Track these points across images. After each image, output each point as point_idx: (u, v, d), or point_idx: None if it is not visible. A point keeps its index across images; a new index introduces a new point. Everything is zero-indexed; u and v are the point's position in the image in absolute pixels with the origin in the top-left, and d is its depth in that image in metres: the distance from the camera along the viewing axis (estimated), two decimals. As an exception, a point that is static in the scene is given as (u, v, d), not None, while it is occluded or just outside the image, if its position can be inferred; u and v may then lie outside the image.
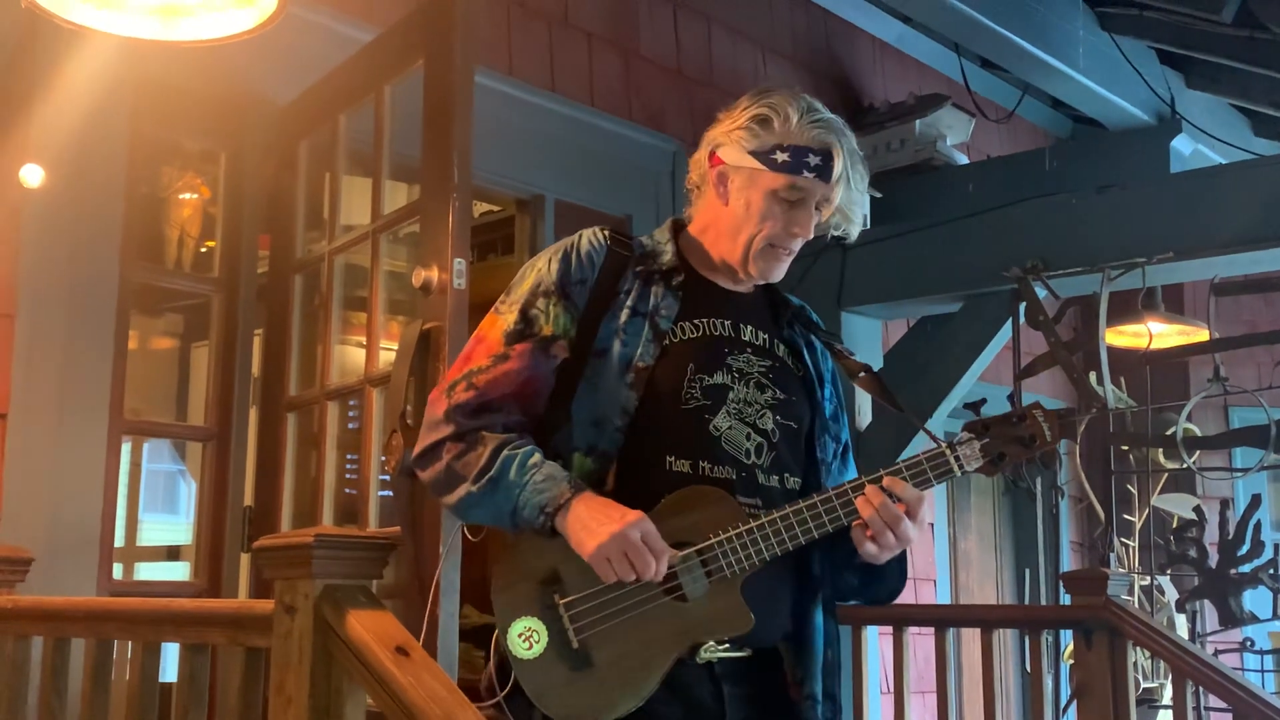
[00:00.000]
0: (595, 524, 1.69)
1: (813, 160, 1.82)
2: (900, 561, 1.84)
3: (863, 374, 1.89)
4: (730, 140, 1.87)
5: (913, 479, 1.76)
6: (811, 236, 1.88)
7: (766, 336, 1.90)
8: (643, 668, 1.71)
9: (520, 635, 1.74)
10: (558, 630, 1.73)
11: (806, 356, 1.93)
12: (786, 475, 1.83)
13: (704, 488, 1.76)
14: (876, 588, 1.88)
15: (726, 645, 1.75)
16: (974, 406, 1.80)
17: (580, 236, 1.90)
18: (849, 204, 1.87)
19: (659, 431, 1.78)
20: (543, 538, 1.74)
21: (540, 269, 1.87)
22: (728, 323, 1.87)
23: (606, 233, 1.90)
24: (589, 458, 1.78)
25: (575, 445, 1.80)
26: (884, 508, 1.72)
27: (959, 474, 1.75)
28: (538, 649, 1.73)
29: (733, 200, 1.87)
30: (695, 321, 1.85)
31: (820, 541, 1.79)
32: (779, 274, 1.91)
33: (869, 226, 4.40)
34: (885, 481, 1.74)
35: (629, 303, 1.84)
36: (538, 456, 1.76)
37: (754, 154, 1.84)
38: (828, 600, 1.86)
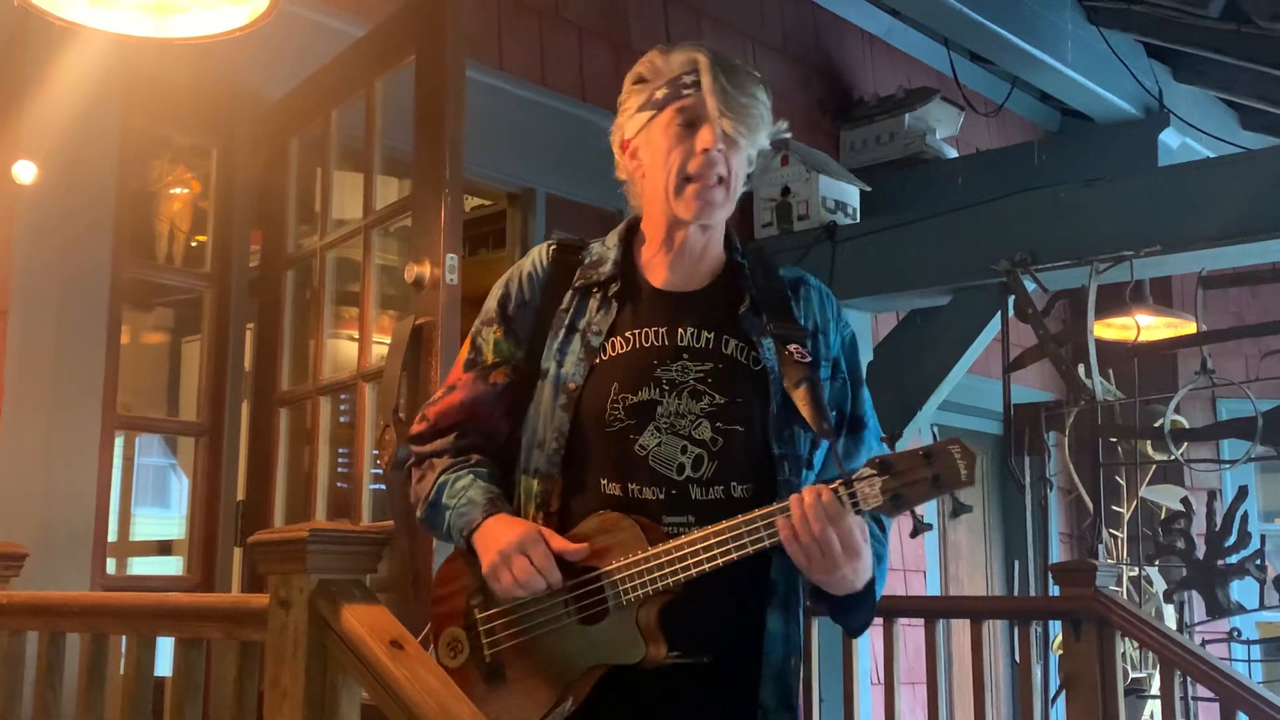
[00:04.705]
0: (494, 542, 1.73)
1: (687, 80, 1.79)
2: (868, 601, 1.74)
3: (801, 385, 1.76)
4: (624, 118, 1.87)
5: None
6: (719, 150, 1.77)
7: (711, 335, 1.80)
8: (545, 686, 1.73)
9: (448, 645, 1.81)
10: (476, 644, 1.79)
11: (767, 346, 1.80)
12: (733, 484, 1.75)
13: (613, 516, 1.73)
14: (841, 618, 1.79)
15: (677, 653, 1.71)
16: (889, 440, 1.68)
17: (526, 257, 1.92)
18: (735, 105, 1.76)
19: (590, 455, 1.78)
20: (474, 556, 1.79)
21: (492, 296, 1.91)
22: (662, 330, 1.81)
23: (552, 248, 1.90)
24: (535, 480, 1.81)
25: (524, 468, 1.83)
26: (810, 511, 1.61)
27: (852, 513, 1.61)
28: (461, 659, 1.80)
29: (646, 163, 1.83)
30: (627, 334, 1.81)
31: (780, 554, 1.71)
32: (715, 208, 1.80)
33: (856, 235, 4.42)
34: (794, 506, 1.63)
35: (567, 320, 1.84)
36: (468, 479, 1.82)
37: (643, 108, 1.83)
38: (791, 607, 1.79)
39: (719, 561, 1.64)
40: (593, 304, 1.84)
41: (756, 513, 1.65)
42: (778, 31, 4.97)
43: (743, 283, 1.86)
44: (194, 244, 4.04)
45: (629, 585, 1.68)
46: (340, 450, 3.46)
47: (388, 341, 2.76)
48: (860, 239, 4.25)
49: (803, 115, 4.97)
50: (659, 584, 1.66)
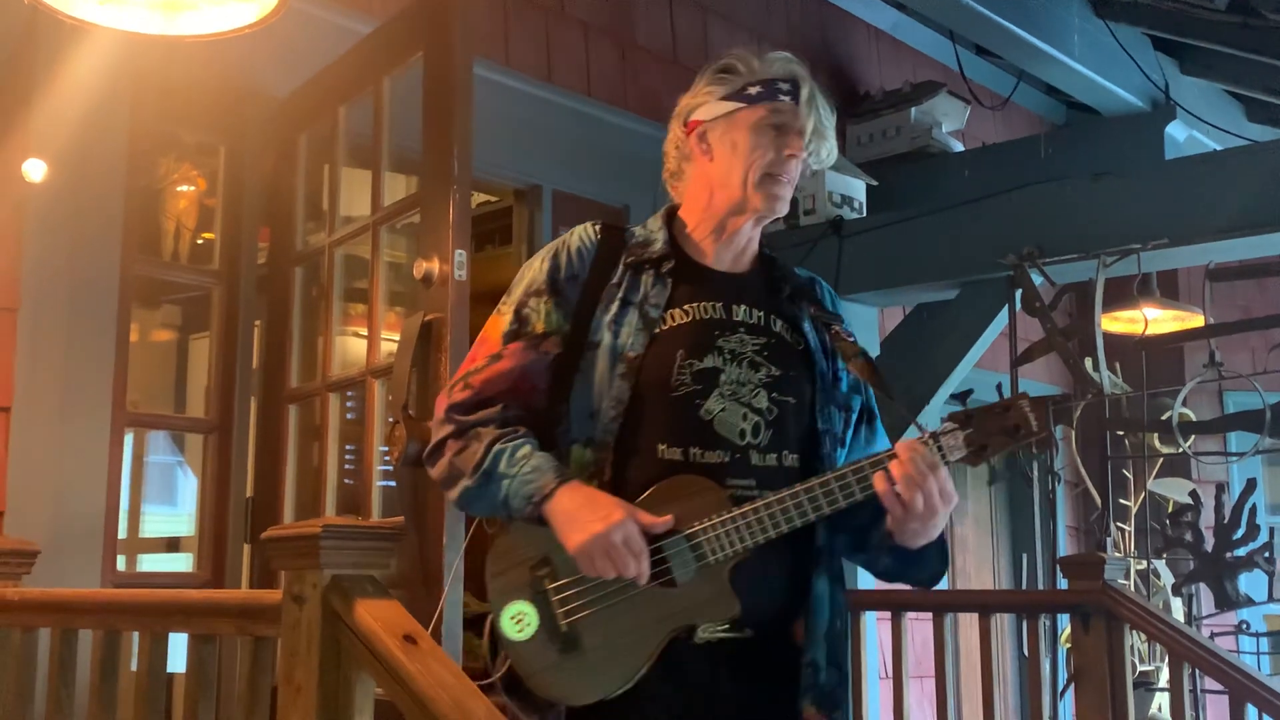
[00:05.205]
0: (580, 519, 1.73)
1: (784, 87, 1.89)
2: (939, 547, 1.85)
3: (858, 358, 1.90)
4: (701, 100, 1.93)
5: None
6: (802, 158, 1.91)
7: (761, 314, 1.90)
8: (628, 651, 1.75)
9: (512, 618, 1.79)
10: (547, 614, 1.78)
11: (808, 329, 1.93)
12: (784, 452, 1.84)
13: (690, 477, 1.78)
14: (915, 571, 1.89)
15: (725, 625, 1.78)
16: (960, 397, 1.79)
17: (572, 233, 1.95)
18: (822, 126, 1.91)
19: (651, 420, 1.81)
20: (535, 525, 1.78)
21: (534, 269, 1.92)
22: (719, 305, 1.88)
23: (598, 227, 1.95)
24: (587, 449, 1.82)
25: (574, 437, 1.83)
26: (911, 465, 1.72)
27: (942, 464, 1.74)
28: (528, 631, 1.78)
29: (718, 150, 1.91)
30: (685, 307, 1.87)
31: (842, 512, 1.80)
32: (783, 204, 1.92)
33: (862, 230, 4.42)
34: (898, 457, 1.75)
35: (620, 294, 1.87)
36: (528, 449, 1.80)
37: (727, 98, 1.90)
38: (835, 571, 1.88)
39: (811, 516, 1.75)
40: (647, 279, 1.89)
41: (846, 468, 1.76)
42: (783, 26, 4.97)
43: (777, 273, 1.97)
44: (200, 241, 4.05)
45: (722, 543, 1.74)
46: (349, 447, 3.47)
47: (396, 338, 2.76)
48: (867, 233, 4.25)
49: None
50: (751, 540, 1.73)
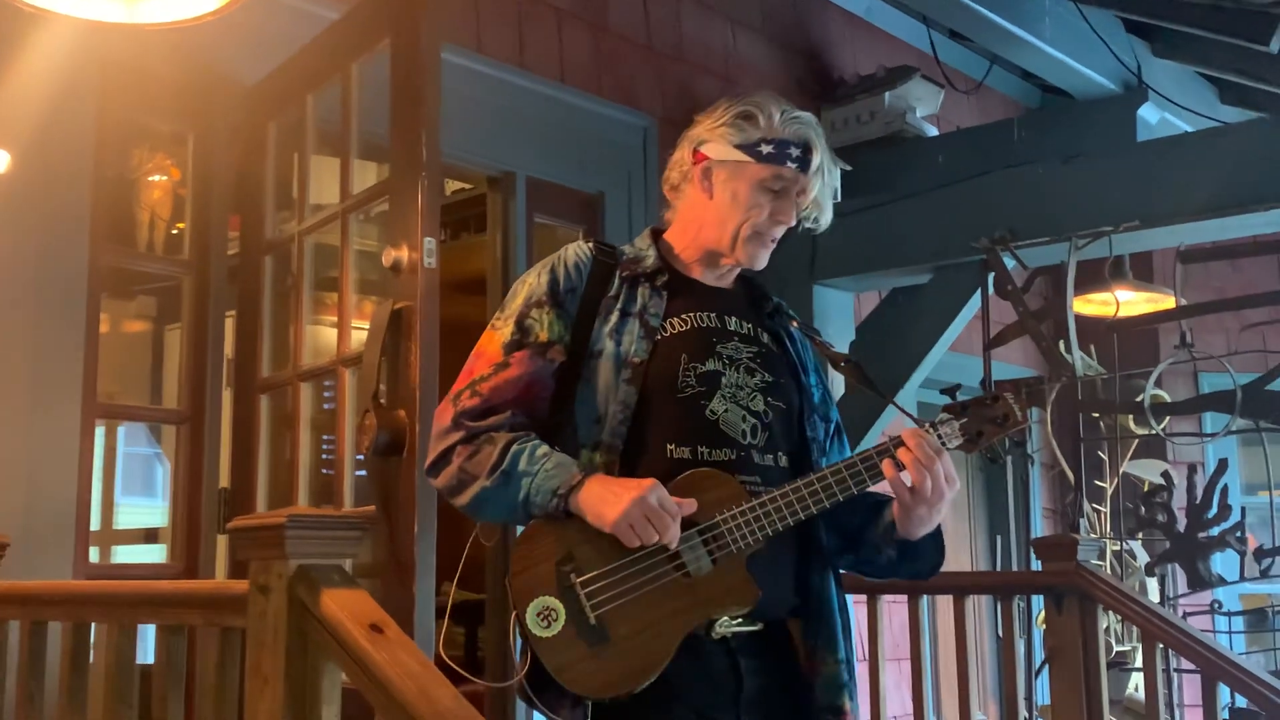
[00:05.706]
0: (613, 496, 1.78)
1: (794, 152, 1.96)
2: (936, 538, 1.93)
3: (844, 364, 1.99)
4: (714, 136, 1.99)
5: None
6: (793, 224, 2.01)
7: (751, 325, 2.00)
8: (656, 641, 1.79)
9: (539, 614, 1.81)
10: (575, 608, 1.80)
11: (789, 344, 2.03)
12: (778, 453, 1.93)
13: (708, 470, 1.85)
14: (916, 563, 1.96)
15: (740, 620, 1.84)
16: (950, 391, 1.87)
17: (566, 250, 2.02)
18: (823, 195, 2.00)
19: (659, 421, 1.88)
20: (556, 523, 1.82)
21: (531, 283, 1.99)
22: (713, 315, 1.98)
23: (591, 244, 2.03)
24: (595, 452, 1.88)
25: (581, 443, 1.89)
26: (919, 451, 1.82)
27: (944, 450, 1.85)
28: (556, 627, 1.80)
29: (718, 192, 1.99)
30: (683, 316, 1.96)
31: (831, 514, 1.88)
32: (763, 260, 2.02)
33: (836, 215, 4.43)
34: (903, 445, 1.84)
35: (618, 305, 1.95)
36: (545, 448, 1.86)
37: (739, 147, 1.97)
38: (836, 570, 1.97)
39: (826, 504, 1.83)
40: (643, 292, 1.97)
41: (854, 457, 1.85)
42: (757, 12, 4.96)
43: (757, 291, 2.08)
44: (174, 231, 4.03)
45: (744, 531, 1.80)
46: (323, 436, 3.46)
47: (367, 327, 2.75)
48: (842, 218, 4.23)
49: (783, 96, 4.94)
50: (771, 529, 1.80)
